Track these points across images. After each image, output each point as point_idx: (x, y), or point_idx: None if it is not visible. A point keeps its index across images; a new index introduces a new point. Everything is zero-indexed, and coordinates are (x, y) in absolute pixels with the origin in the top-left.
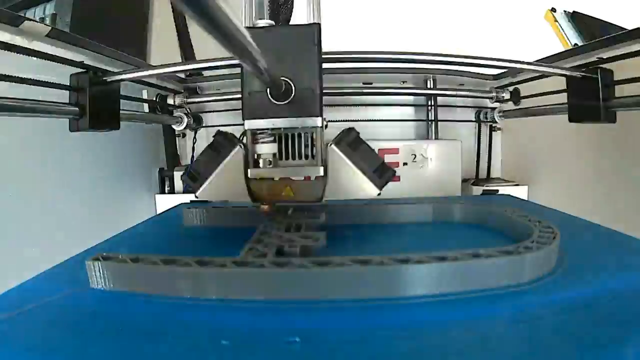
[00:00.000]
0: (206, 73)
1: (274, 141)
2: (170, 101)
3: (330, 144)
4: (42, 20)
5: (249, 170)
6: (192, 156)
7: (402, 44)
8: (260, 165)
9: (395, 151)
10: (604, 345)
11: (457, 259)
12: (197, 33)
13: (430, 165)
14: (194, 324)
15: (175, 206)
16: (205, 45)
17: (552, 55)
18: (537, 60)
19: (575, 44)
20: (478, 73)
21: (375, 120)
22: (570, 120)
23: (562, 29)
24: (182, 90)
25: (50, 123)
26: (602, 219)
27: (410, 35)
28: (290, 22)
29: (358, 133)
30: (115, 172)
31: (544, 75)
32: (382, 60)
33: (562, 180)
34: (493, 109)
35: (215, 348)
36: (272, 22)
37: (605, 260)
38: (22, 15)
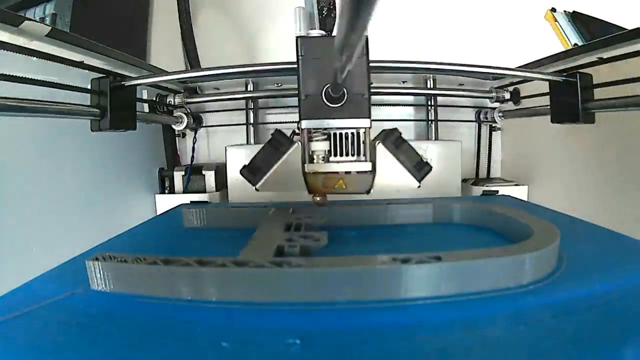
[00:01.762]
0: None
1: (327, 139)
2: (170, 101)
3: (378, 143)
4: (42, 20)
5: (305, 165)
6: (192, 156)
7: (402, 42)
8: (315, 160)
9: None
10: (605, 347)
11: (456, 259)
12: (201, 33)
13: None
14: (194, 325)
15: (176, 207)
16: (207, 45)
17: (536, 60)
18: (521, 66)
19: (575, 44)
20: (478, 73)
21: (375, 120)
22: (552, 121)
23: (562, 29)
24: (182, 90)
25: (50, 123)
26: (603, 219)
27: (411, 33)
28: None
29: (400, 133)
30: (115, 172)
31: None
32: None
33: (562, 180)
34: (493, 109)
35: (215, 350)
36: (324, 32)
37: (606, 262)
38: (22, 15)
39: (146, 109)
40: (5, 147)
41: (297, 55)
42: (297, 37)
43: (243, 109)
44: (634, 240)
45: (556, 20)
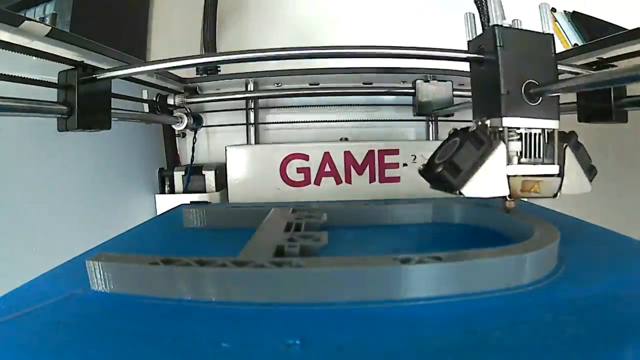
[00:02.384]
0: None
1: (519, 139)
2: (170, 101)
3: (566, 145)
4: (42, 20)
5: (509, 167)
6: (192, 156)
7: (401, 42)
8: (513, 162)
9: (395, 152)
10: (604, 347)
11: (457, 259)
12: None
13: None
14: (194, 326)
15: (176, 207)
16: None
17: (559, 53)
18: None
19: (575, 44)
20: None
21: (375, 121)
22: (580, 120)
23: (562, 29)
24: (182, 90)
25: (50, 123)
26: (602, 220)
27: (410, 36)
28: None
29: (577, 135)
30: (115, 172)
31: None
32: (382, 56)
33: None
34: None
35: (215, 350)
36: (511, 24)
37: (606, 262)
38: (22, 15)
39: (146, 109)
40: (5, 147)
41: (495, 46)
42: (493, 26)
43: (243, 109)
44: (634, 240)
45: (556, 20)
